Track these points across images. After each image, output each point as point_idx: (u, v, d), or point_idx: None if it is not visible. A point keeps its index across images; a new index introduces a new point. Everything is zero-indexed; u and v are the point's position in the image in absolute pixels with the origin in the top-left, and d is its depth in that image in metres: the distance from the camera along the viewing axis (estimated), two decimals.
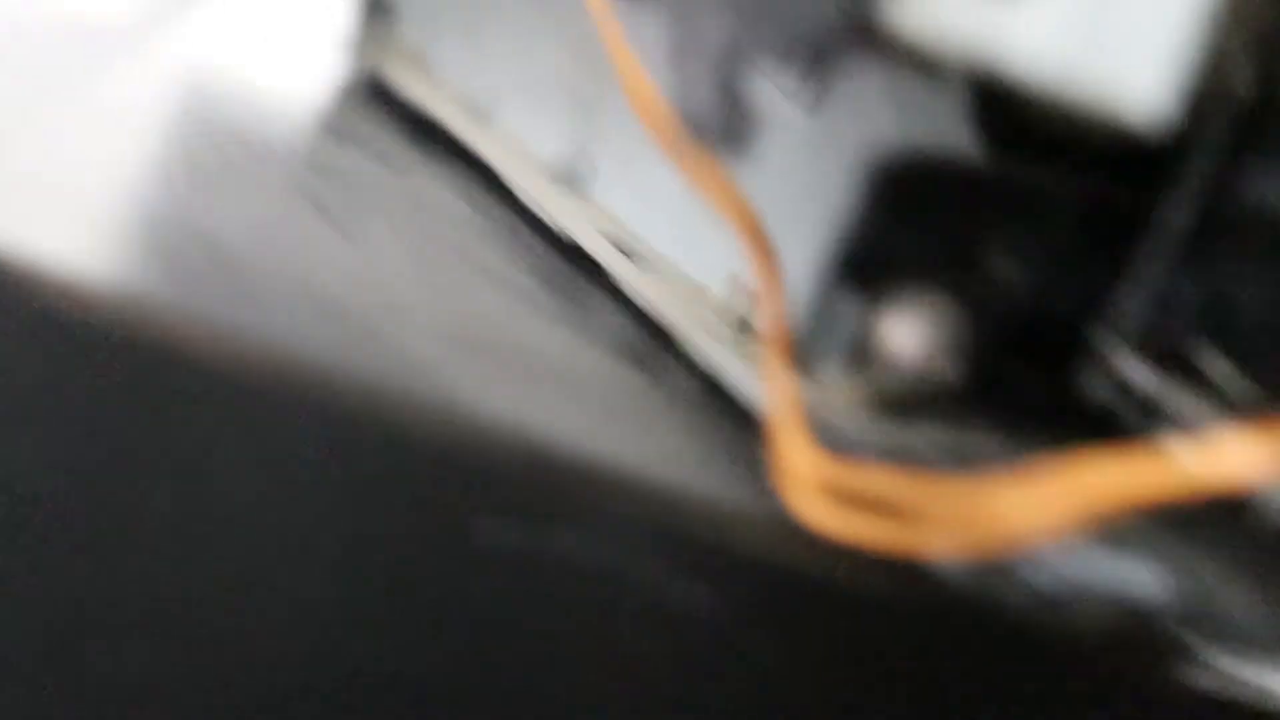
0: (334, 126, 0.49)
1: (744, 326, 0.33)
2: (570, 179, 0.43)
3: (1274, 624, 0.22)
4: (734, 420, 0.30)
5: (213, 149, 0.38)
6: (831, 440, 0.26)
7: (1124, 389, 0.26)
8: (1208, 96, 0.26)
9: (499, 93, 0.48)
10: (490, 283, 0.35)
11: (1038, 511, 0.23)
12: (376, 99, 0.53)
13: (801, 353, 0.27)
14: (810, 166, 0.29)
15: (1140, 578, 0.24)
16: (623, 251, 0.38)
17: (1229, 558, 0.24)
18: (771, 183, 0.27)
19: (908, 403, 0.27)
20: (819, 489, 0.24)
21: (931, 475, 0.24)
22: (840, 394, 0.27)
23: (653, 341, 0.34)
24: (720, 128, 0.24)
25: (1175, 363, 0.26)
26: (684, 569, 0.26)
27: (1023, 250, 0.27)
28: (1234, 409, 0.25)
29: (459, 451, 0.25)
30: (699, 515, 0.26)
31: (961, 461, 0.27)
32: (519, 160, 0.44)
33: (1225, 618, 0.23)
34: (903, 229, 0.27)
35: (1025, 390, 0.28)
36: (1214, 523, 0.25)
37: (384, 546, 0.25)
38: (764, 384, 0.26)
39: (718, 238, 0.33)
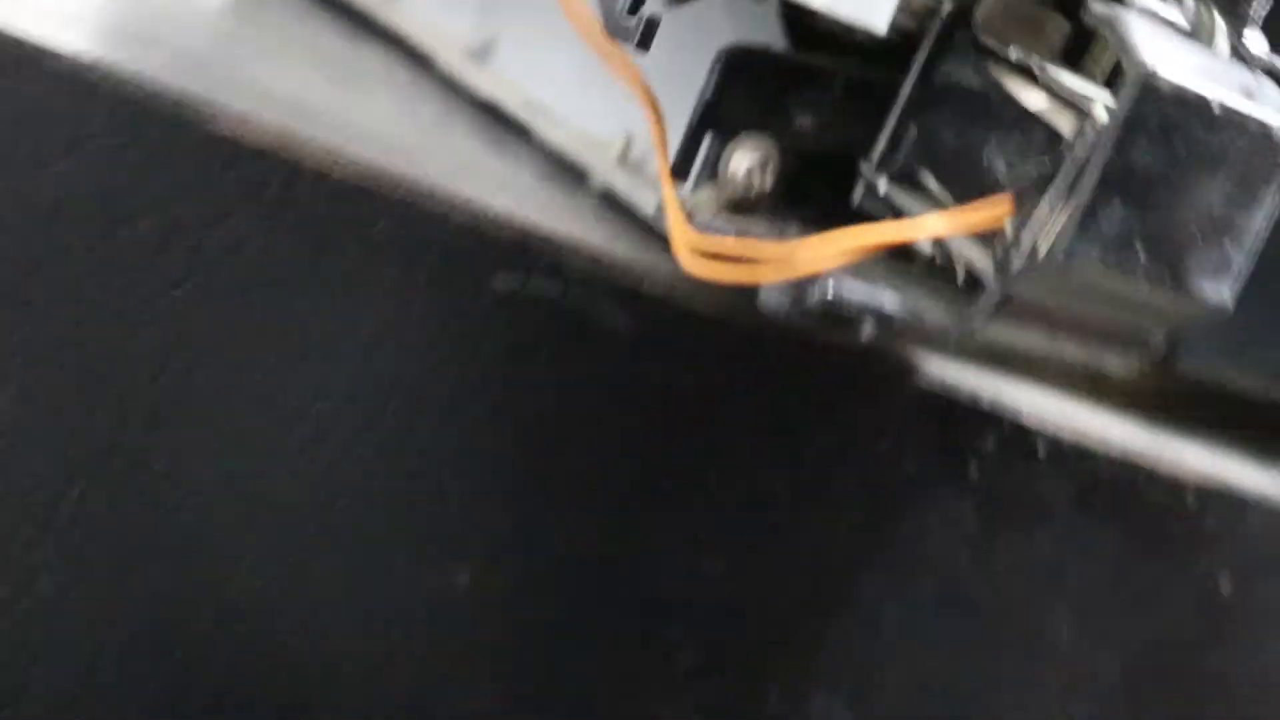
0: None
1: (629, 163, 0.52)
2: (479, 54, 0.61)
3: (960, 325, 0.42)
4: (627, 221, 0.50)
5: None
6: (699, 227, 0.46)
7: (875, 197, 0.47)
8: (926, 14, 0.46)
9: None
10: (447, 132, 0.54)
11: (823, 254, 0.42)
12: None
13: (678, 172, 0.46)
14: (684, 57, 0.49)
15: (883, 298, 0.44)
16: (529, 111, 0.57)
17: (936, 298, 0.45)
18: (661, 66, 0.46)
19: (743, 206, 0.47)
20: (692, 250, 0.44)
21: (760, 240, 0.44)
22: (704, 200, 0.47)
23: (562, 172, 0.53)
24: (630, 31, 0.43)
25: (905, 179, 0.46)
26: (615, 302, 0.45)
27: (817, 109, 0.47)
28: (938, 207, 0.45)
29: (480, 227, 0.44)
30: (623, 268, 0.46)
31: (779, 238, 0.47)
32: (433, 37, 0.62)
33: (932, 325, 0.43)
34: (740, 95, 0.46)
35: (818, 199, 0.48)
36: (929, 281, 0.46)
37: (423, 298, 0.44)
38: (661, 193, 0.46)
39: (607, 105, 0.53)
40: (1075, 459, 0.49)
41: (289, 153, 0.43)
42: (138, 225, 0.44)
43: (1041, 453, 0.49)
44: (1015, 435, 0.48)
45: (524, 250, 0.44)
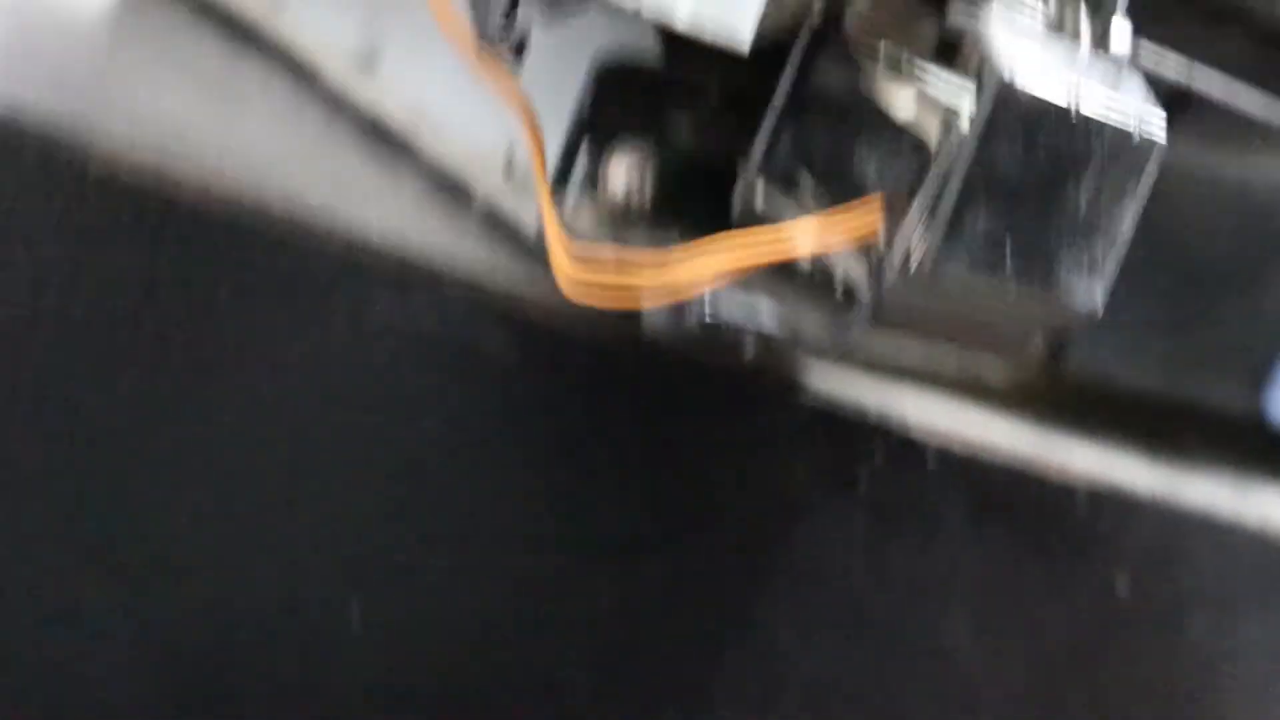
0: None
1: (512, 175, 0.55)
2: (364, 63, 0.64)
3: (836, 336, 0.45)
4: (516, 236, 0.52)
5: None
6: (578, 243, 0.48)
7: (754, 201, 0.49)
8: (797, 20, 0.49)
9: None
10: (332, 150, 0.56)
11: (702, 270, 0.45)
12: None
13: (557, 190, 0.49)
14: (559, 67, 0.51)
15: (763, 313, 0.46)
16: (414, 122, 0.60)
17: (815, 310, 0.48)
18: (536, 78, 0.49)
19: (623, 216, 0.50)
20: (571, 275, 0.47)
21: (638, 253, 0.47)
22: (584, 212, 0.49)
23: (447, 186, 0.56)
24: (504, 44, 0.46)
25: (783, 185, 0.49)
26: (495, 329, 0.48)
27: (693, 117, 0.50)
28: (818, 209, 0.48)
29: (357, 256, 0.47)
30: (504, 293, 0.48)
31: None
32: (316, 45, 0.65)
33: (812, 338, 0.46)
34: (615, 105, 0.49)
35: (698, 208, 0.51)
36: (806, 293, 0.48)
37: (300, 329, 0.47)
38: (538, 213, 0.48)
39: (490, 113, 0.55)
40: (965, 467, 0.51)
41: (165, 185, 0.46)
42: (12, 260, 0.46)
43: (931, 463, 0.51)
44: (904, 447, 0.51)
45: (402, 278, 0.47)
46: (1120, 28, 0.46)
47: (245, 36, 0.66)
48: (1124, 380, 0.54)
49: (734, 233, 0.44)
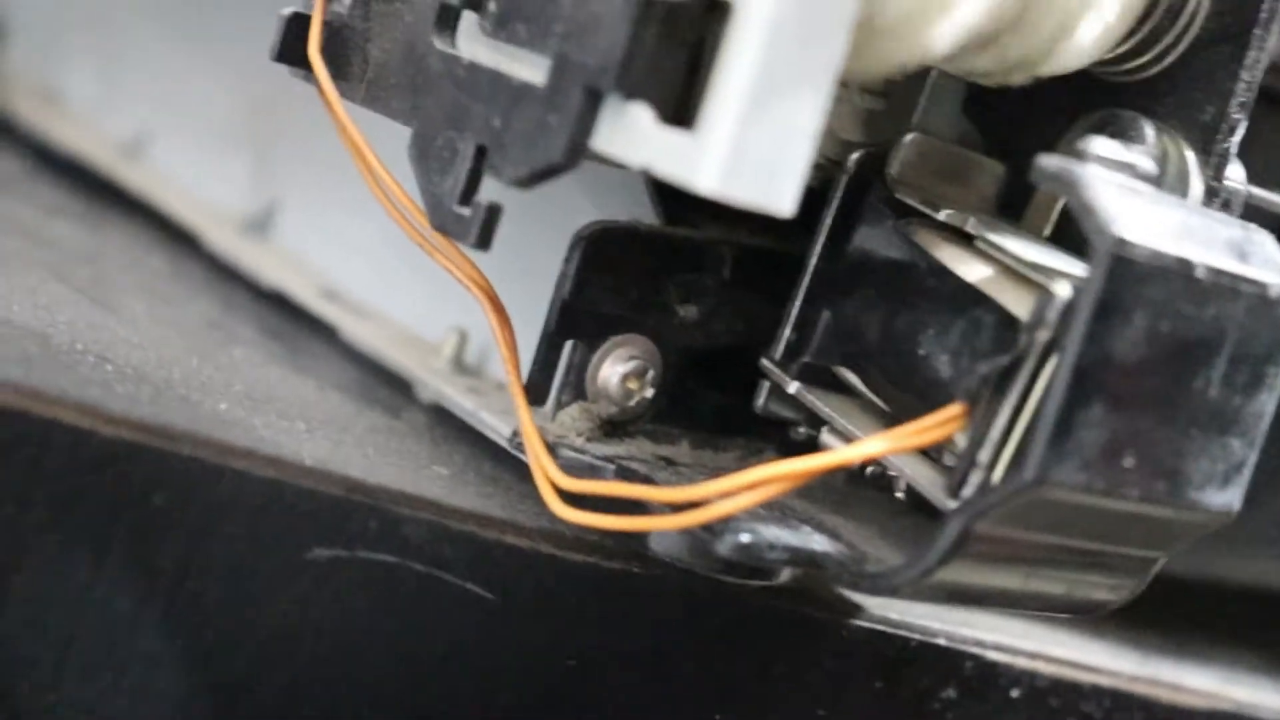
0: None
1: (464, 368, 0.49)
2: (255, 226, 0.57)
3: (908, 571, 0.39)
4: (470, 445, 0.46)
5: None
6: (566, 457, 0.42)
7: (783, 399, 0.44)
8: (828, 176, 0.44)
9: (152, 131, 0.62)
10: (227, 339, 0.50)
11: (734, 501, 0.39)
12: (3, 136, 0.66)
13: (535, 391, 0.43)
14: (533, 245, 0.45)
15: (811, 540, 0.41)
16: (326, 298, 0.53)
17: (871, 524, 0.42)
18: (505, 259, 0.43)
19: (620, 423, 0.44)
20: (560, 496, 0.41)
21: (648, 490, 0.41)
22: (568, 421, 0.43)
23: (379, 382, 0.50)
24: (464, 224, 0.40)
25: (816, 375, 0.43)
26: (468, 563, 0.41)
27: (702, 294, 0.44)
28: (863, 410, 0.43)
29: (284, 494, 0.40)
30: (475, 521, 0.42)
31: (667, 465, 0.44)
32: (193, 206, 0.59)
33: (871, 568, 0.40)
34: (607, 287, 0.43)
35: (710, 405, 0.45)
36: (858, 500, 0.43)
37: (218, 577, 0.40)
38: (518, 419, 0.42)
39: (430, 291, 0.49)
40: (1056, 698, 0.46)
41: (39, 411, 0.39)
42: None
43: (1015, 694, 0.46)
44: (981, 677, 0.46)
45: (345, 518, 0.41)
46: (1234, 170, 0.41)
47: (104, 193, 0.60)
48: (1239, 577, 0.49)
49: (774, 466, 0.38)
